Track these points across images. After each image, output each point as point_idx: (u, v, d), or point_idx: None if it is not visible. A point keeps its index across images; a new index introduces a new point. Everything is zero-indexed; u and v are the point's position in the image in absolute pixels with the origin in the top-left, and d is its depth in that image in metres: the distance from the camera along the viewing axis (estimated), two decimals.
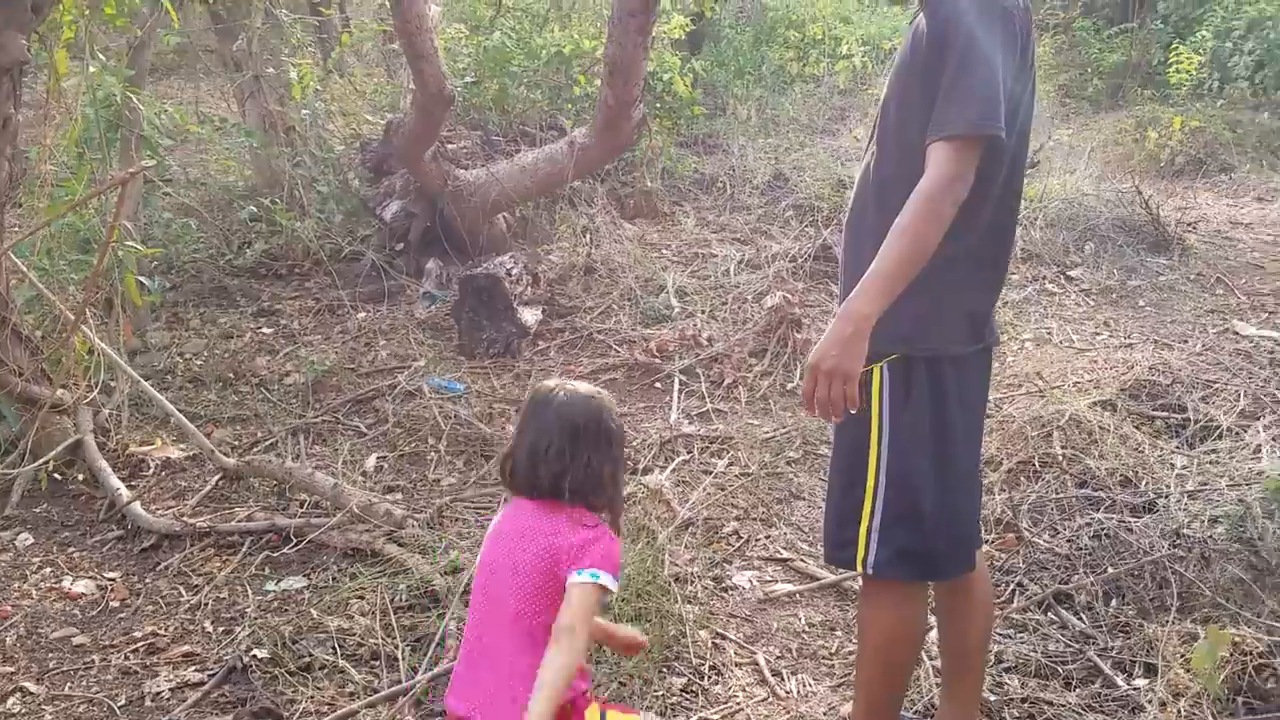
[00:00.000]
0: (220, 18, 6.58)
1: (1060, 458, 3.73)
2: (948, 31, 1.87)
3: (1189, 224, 7.18)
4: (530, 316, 5.33)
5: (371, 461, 4.11)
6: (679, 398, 4.65)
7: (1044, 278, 6.11)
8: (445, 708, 1.85)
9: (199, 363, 4.92)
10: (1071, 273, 6.25)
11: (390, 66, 9.24)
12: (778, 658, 2.92)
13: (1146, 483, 3.52)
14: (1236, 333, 5.16)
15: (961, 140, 1.84)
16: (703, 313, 5.41)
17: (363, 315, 5.64)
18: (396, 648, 2.84)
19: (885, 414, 2.07)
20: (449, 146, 6.20)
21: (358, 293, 5.82)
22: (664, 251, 6.38)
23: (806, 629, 3.07)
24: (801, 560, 3.42)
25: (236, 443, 4.24)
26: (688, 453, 4.13)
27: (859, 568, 2.14)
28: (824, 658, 2.93)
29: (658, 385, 4.83)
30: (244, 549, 3.43)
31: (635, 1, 5.11)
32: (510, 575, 1.75)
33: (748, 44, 10.36)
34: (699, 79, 8.20)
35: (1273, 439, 3.77)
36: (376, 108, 7.89)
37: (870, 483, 2.09)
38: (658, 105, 7.31)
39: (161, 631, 3.03)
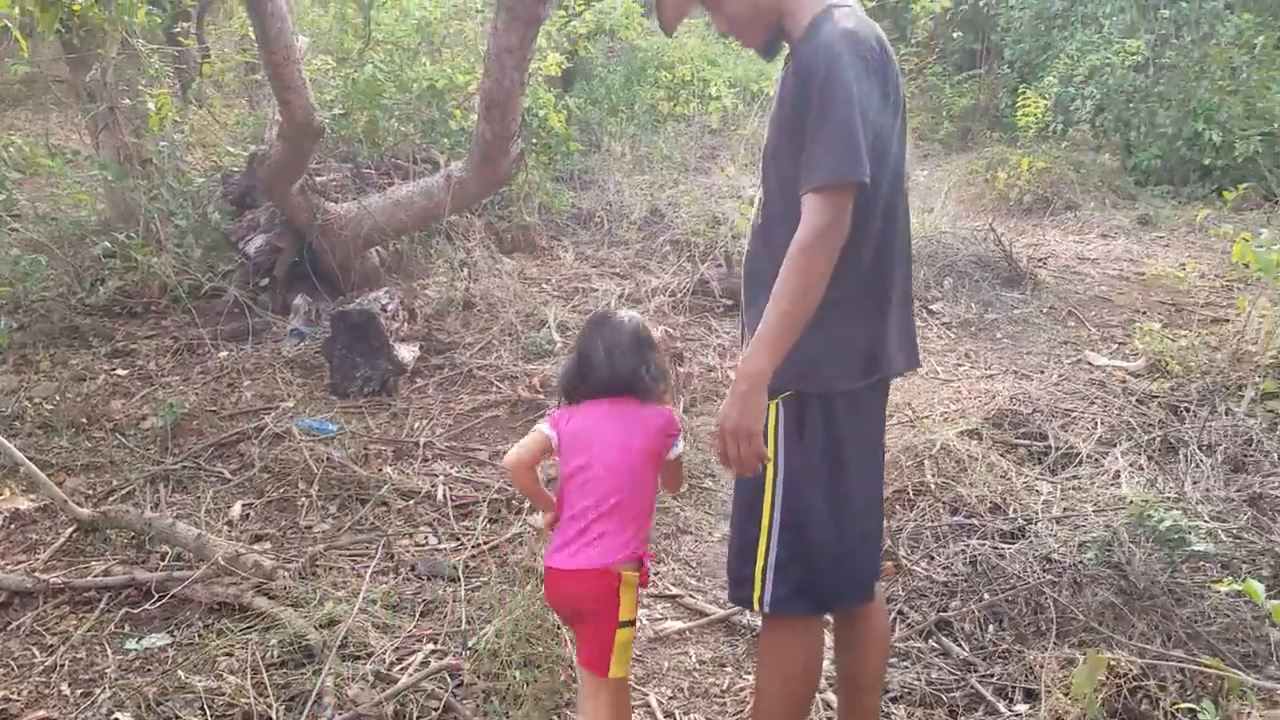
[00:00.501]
0: (73, 47, 6.27)
1: (933, 486, 3.84)
2: (812, 78, 1.92)
3: (1040, 259, 7.58)
4: (407, 353, 5.21)
5: (237, 509, 3.93)
6: None
7: None
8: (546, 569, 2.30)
9: (49, 407, 4.62)
10: (933, 307, 6.49)
11: (253, 97, 8.98)
12: (670, 698, 2.90)
13: (1015, 509, 3.65)
14: (1090, 363, 5.44)
15: (828, 190, 1.88)
16: None
17: (225, 354, 5.41)
18: (270, 707, 2.69)
19: (780, 451, 2.09)
20: (317, 179, 6.04)
21: (219, 331, 5.58)
22: (544, 286, 6.36)
23: (697, 666, 3.05)
24: (690, 596, 3.41)
25: (91, 492, 3.98)
26: None
27: (755, 605, 2.15)
28: (716, 695, 2.92)
29: None
30: (102, 605, 3.22)
31: (512, 38, 5.09)
32: (610, 460, 2.19)
33: (620, 83, 10.47)
34: (573, 116, 8.24)
35: (1130, 465, 3.98)
36: (238, 139, 7.64)
37: (765, 520, 2.11)
38: (534, 141, 7.31)
39: (14, 696, 2.81)
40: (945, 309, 6.42)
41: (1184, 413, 4.51)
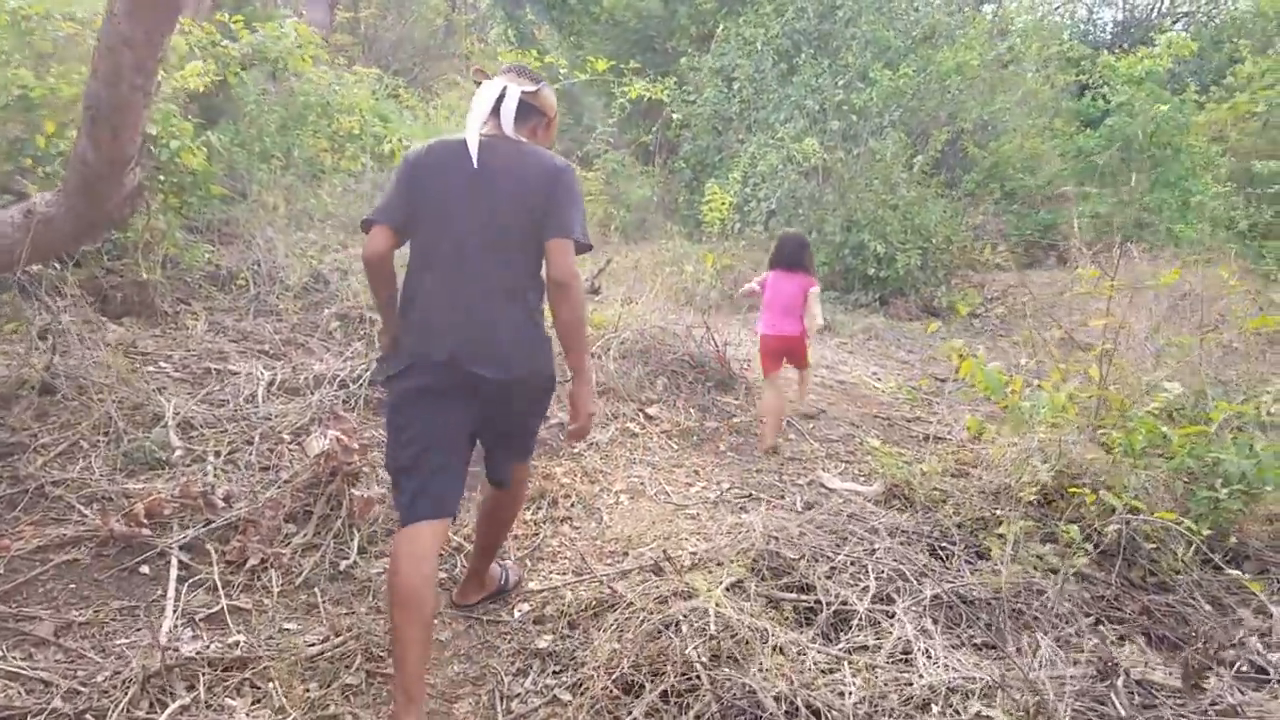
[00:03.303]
0: None
1: (705, 679, 2.88)
2: None
3: (744, 361, 7.09)
4: None
5: None
6: (178, 592, 3.18)
7: (624, 415, 5.49)
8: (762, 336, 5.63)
9: None
10: (650, 410, 5.71)
11: None
12: None
13: (816, 708, 2.78)
14: (825, 485, 4.85)
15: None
16: (216, 456, 3.98)
17: None
18: None
19: None
20: None
21: None
22: (162, 365, 4.79)
23: None
24: None
25: None
26: (190, 691, 2.70)
27: None
28: None
29: (144, 570, 3.31)
30: None
31: (136, 28, 3.71)
32: (786, 293, 5.56)
33: (275, 126, 8.98)
34: (216, 154, 6.70)
35: (917, 630, 3.28)
36: None
37: None
38: (161, 178, 5.74)
39: None
40: (663, 413, 5.65)
41: (939, 553, 3.98)
